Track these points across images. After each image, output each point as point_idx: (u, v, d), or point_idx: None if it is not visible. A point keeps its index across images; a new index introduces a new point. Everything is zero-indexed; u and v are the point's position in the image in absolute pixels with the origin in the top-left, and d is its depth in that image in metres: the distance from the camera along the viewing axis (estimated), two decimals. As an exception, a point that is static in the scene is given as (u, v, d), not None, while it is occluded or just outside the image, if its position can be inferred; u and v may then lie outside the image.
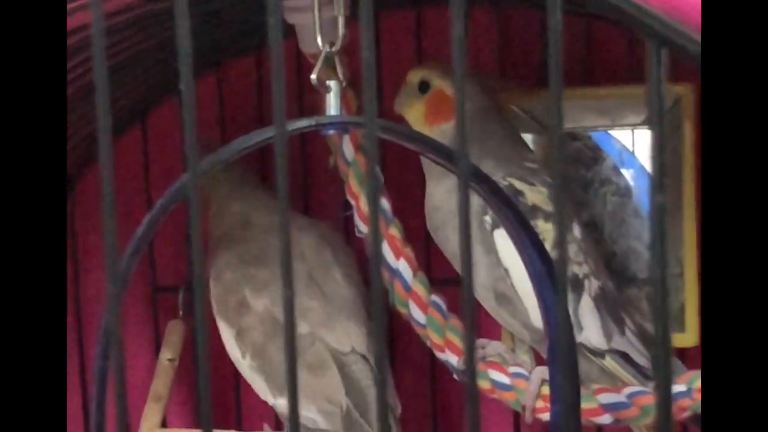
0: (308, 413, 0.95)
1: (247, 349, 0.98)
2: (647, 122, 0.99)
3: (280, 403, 0.97)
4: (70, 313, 1.12)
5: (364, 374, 0.96)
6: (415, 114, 0.95)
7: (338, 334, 0.97)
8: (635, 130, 1.02)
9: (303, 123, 0.57)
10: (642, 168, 1.03)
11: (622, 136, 1.02)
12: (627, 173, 1.03)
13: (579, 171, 1.02)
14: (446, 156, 0.57)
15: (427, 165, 0.94)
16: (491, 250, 0.90)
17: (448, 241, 0.93)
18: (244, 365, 0.98)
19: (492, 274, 0.90)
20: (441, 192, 0.93)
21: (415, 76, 0.95)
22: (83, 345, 1.13)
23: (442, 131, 0.93)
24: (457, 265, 0.93)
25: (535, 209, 0.90)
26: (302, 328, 0.96)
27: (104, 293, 1.11)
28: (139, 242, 0.63)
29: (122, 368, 0.51)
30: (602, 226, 1.01)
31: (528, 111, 1.00)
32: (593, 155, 1.02)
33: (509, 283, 0.90)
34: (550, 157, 0.99)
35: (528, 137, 0.99)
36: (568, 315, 0.64)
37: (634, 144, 1.03)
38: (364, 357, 0.96)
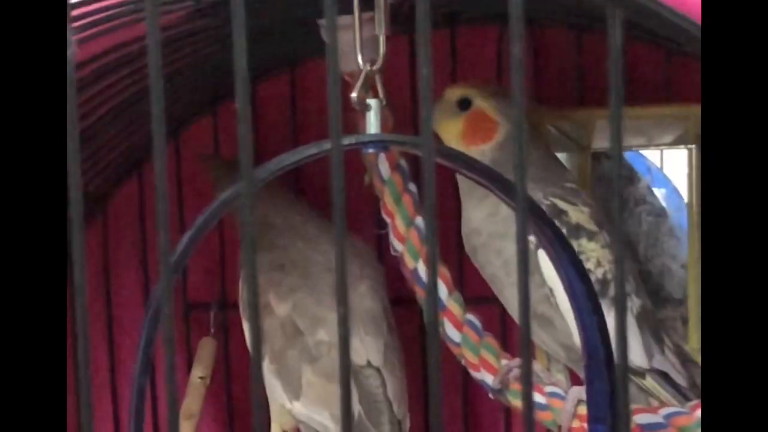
0: (321, 419, 0.96)
1: (266, 352, 0.98)
2: (680, 142, 0.99)
3: (296, 407, 0.97)
4: (101, 331, 1.12)
5: (377, 387, 0.96)
6: (451, 131, 0.95)
7: (355, 345, 0.97)
8: (665, 150, 1.02)
9: (361, 138, 0.57)
10: (674, 188, 1.03)
11: (652, 155, 1.02)
12: (659, 193, 1.03)
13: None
14: (501, 185, 0.56)
15: (465, 186, 0.94)
16: (534, 270, 0.89)
17: (490, 264, 0.92)
18: (264, 367, 0.98)
19: (533, 295, 0.89)
20: (481, 214, 0.92)
21: (453, 93, 0.95)
22: (114, 363, 1.13)
23: (482, 152, 0.92)
24: (496, 287, 0.93)
25: (578, 228, 0.90)
26: (320, 335, 0.97)
27: (135, 311, 1.12)
28: (181, 256, 0.63)
29: (174, 392, 0.51)
30: (637, 246, 1.01)
31: (563, 130, 1.00)
32: (628, 175, 1.02)
33: (553, 303, 0.89)
34: (583, 176, 1.00)
35: (562, 156, 0.99)
36: (623, 335, 0.63)
37: (663, 164, 1.03)
38: (378, 371, 0.96)
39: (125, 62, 0.83)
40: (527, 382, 0.47)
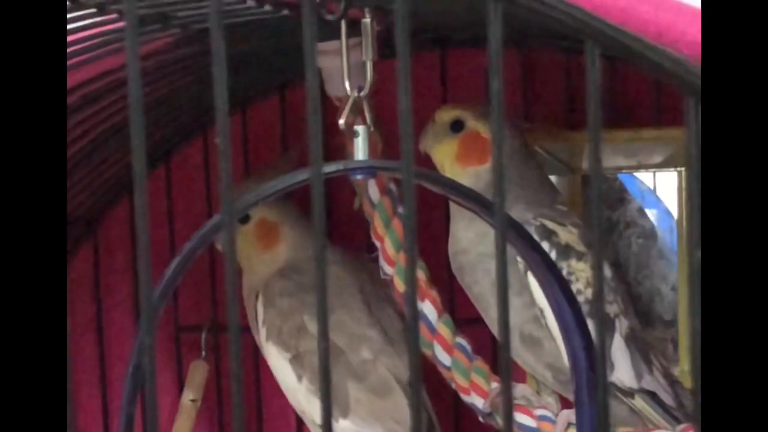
0: None
1: (304, 373, 0.98)
2: (670, 164, 0.99)
3: (343, 425, 0.98)
4: (93, 355, 1.12)
5: (427, 401, 0.98)
6: (445, 153, 0.94)
7: (396, 362, 0.98)
8: (657, 172, 1.02)
9: (335, 167, 0.57)
10: (666, 210, 1.03)
11: (644, 177, 1.03)
12: (651, 214, 1.03)
13: (604, 212, 1.02)
14: (482, 205, 0.57)
15: (455, 206, 0.94)
16: (523, 290, 0.89)
17: (477, 284, 0.92)
18: (300, 389, 0.99)
19: (521, 315, 0.90)
20: (470, 235, 0.92)
21: (447, 115, 0.95)
22: (106, 386, 1.13)
23: (477, 173, 0.92)
24: (482, 307, 0.93)
25: (568, 249, 0.90)
26: (364, 353, 0.98)
27: (127, 333, 1.12)
28: (167, 285, 0.63)
29: (155, 413, 0.51)
30: (627, 268, 1.01)
31: (552, 152, 1.00)
32: (618, 197, 1.02)
33: (543, 324, 0.89)
34: (573, 198, 1.00)
35: (552, 179, 0.99)
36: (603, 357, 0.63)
37: (656, 186, 1.03)
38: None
39: (113, 88, 0.83)
40: (507, 400, 0.47)
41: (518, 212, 0.89)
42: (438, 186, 0.57)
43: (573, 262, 0.90)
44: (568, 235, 0.91)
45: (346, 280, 1.01)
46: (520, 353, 0.92)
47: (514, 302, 0.90)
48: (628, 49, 0.43)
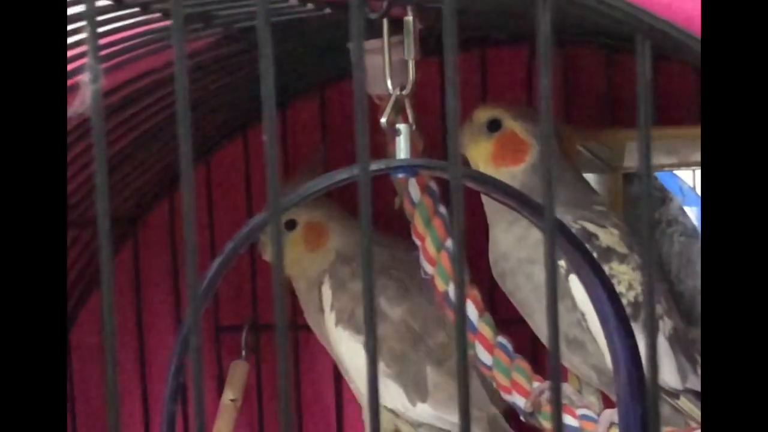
0: (454, 419, 0.96)
1: (381, 356, 0.98)
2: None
3: (420, 408, 0.98)
4: (133, 355, 1.13)
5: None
6: (480, 153, 0.94)
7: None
8: (697, 170, 1.01)
9: (380, 165, 0.57)
10: (706, 208, 1.02)
11: (685, 175, 1.02)
12: (691, 212, 1.02)
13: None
14: (530, 207, 0.56)
15: (493, 212, 0.93)
16: (566, 295, 0.89)
17: (519, 289, 0.91)
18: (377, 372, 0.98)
19: (564, 319, 0.89)
20: (510, 239, 0.91)
21: (483, 115, 0.94)
22: (146, 385, 1.13)
23: (512, 174, 0.92)
24: (526, 312, 0.92)
25: (609, 251, 0.89)
26: (441, 337, 0.98)
27: (167, 332, 1.12)
28: (209, 285, 0.63)
29: (202, 410, 0.51)
30: (670, 266, 1.00)
31: (593, 151, 0.99)
32: (660, 195, 1.01)
33: (585, 327, 0.89)
34: (614, 197, 1.00)
35: (593, 177, 0.99)
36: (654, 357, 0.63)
37: (696, 183, 1.02)
38: None
39: (155, 88, 0.83)
40: (557, 403, 0.47)
41: (558, 214, 0.88)
42: (485, 187, 0.56)
43: (615, 265, 0.89)
44: (609, 236, 0.90)
45: (408, 264, 1.00)
46: (566, 356, 0.91)
47: (558, 307, 0.89)
48: (678, 43, 0.42)
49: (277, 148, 1.11)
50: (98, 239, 1.02)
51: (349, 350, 1.00)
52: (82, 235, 1.02)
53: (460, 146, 0.93)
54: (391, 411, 0.99)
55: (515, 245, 0.91)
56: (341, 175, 0.56)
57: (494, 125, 0.93)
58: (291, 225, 1.02)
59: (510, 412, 0.98)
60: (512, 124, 0.93)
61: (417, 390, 0.98)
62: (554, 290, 0.44)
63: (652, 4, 0.62)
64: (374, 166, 0.56)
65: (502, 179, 0.89)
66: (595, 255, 0.88)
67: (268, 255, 1.02)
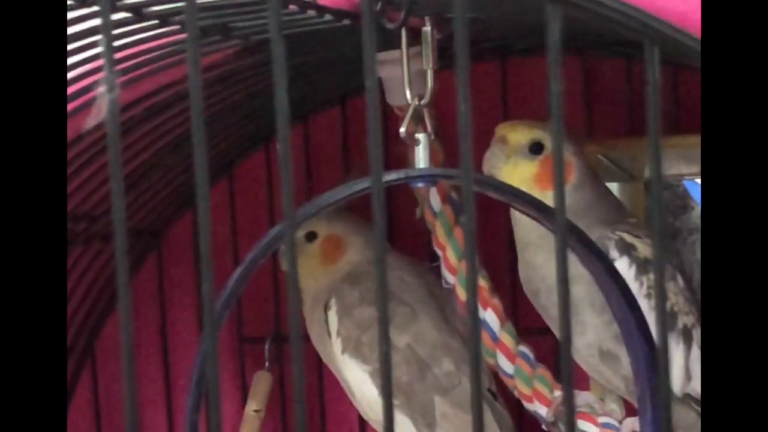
0: None
1: None
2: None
3: None
4: (157, 366, 1.13)
5: (504, 410, 0.97)
6: (521, 175, 0.89)
7: None
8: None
9: (395, 175, 0.58)
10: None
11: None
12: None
13: (667, 220, 1.01)
14: (543, 211, 0.57)
15: (530, 233, 0.90)
16: (605, 309, 0.85)
17: (555, 306, 0.89)
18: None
19: (600, 333, 0.88)
20: (542, 257, 0.89)
21: (522, 136, 0.90)
22: (171, 397, 1.14)
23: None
24: (556, 327, 0.91)
25: (647, 262, 0.88)
26: (447, 365, 0.97)
27: (191, 344, 1.12)
28: (230, 295, 0.63)
29: (218, 419, 0.52)
30: (692, 275, 1.00)
31: (614, 160, 0.99)
32: (682, 203, 1.01)
33: (621, 339, 0.88)
34: (636, 206, 0.99)
35: (615, 186, 0.99)
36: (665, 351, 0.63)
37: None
38: (494, 394, 0.97)
39: (176, 100, 0.84)
40: (569, 408, 0.47)
41: (600, 230, 0.87)
42: (498, 193, 0.57)
43: (652, 276, 0.88)
44: (645, 247, 0.89)
45: (417, 286, 1.00)
46: (598, 368, 0.90)
47: (595, 321, 0.88)
48: (687, 50, 0.43)
49: (299, 159, 1.12)
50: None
51: (356, 379, 0.99)
52: (107, 248, 1.02)
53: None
54: None
55: (548, 265, 0.88)
56: (355, 187, 0.57)
57: (537, 147, 0.90)
58: (311, 237, 1.02)
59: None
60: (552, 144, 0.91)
61: (424, 420, 0.96)
62: (567, 291, 0.45)
63: (664, 12, 0.62)
64: (389, 176, 0.56)
65: (548, 202, 0.88)
66: (633, 267, 0.87)
67: (284, 266, 1.02)
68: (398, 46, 0.81)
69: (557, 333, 0.91)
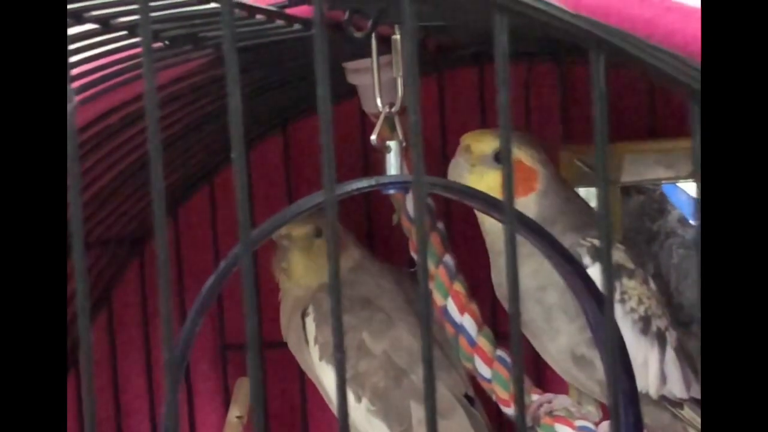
0: None
1: (364, 393, 0.97)
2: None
3: None
4: (140, 373, 1.14)
5: (481, 416, 0.97)
6: (486, 184, 0.87)
7: (455, 378, 0.97)
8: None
9: (355, 185, 0.58)
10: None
11: (689, 187, 1.02)
12: (696, 224, 1.02)
13: (644, 224, 1.02)
14: (493, 206, 0.58)
15: (492, 237, 0.91)
16: (579, 315, 0.86)
17: (527, 312, 0.88)
18: (359, 409, 0.98)
19: (574, 338, 0.89)
20: (525, 271, 0.88)
21: (485, 145, 0.90)
22: (154, 402, 1.15)
23: (524, 203, 0.89)
24: (531, 332, 0.91)
25: (619, 268, 0.88)
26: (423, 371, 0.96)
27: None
28: (189, 332, 0.64)
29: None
30: (668, 278, 1.00)
31: (590, 165, 1.00)
32: (659, 207, 1.02)
33: (595, 345, 0.89)
34: (613, 210, 1.00)
35: (592, 192, 0.99)
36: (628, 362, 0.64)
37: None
38: (471, 399, 0.97)
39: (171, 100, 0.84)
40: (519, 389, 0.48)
41: (571, 238, 0.88)
42: (450, 193, 0.58)
43: (625, 280, 0.89)
44: (617, 253, 0.89)
45: (395, 293, 1.00)
46: (571, 372, 0.91)
47: (569, 328, 0.89)
48: (629, 54, 0.43)
49: (280, 167, 1.12)
50: (104, 258, 1.03)
51: (333, 385, 0.99)
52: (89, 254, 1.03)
53: (457, 176, 0.92)
54: None
55: (530, 276, 0.88)
56: (311, 201, 0.57)
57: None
58: (319, 233, 1.02)
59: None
60: (518, 153, 0.90)
61: (401, 427, 0.97)
62: (516, 284, 0.46)
63: (631, 20, 0.63)
64: (341, 189, 0.57)
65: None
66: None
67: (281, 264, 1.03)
68: (370, 55, 0.82)
69: (530, 337, 0.92)
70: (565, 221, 0.89)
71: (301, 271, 1.02)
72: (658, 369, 0.89)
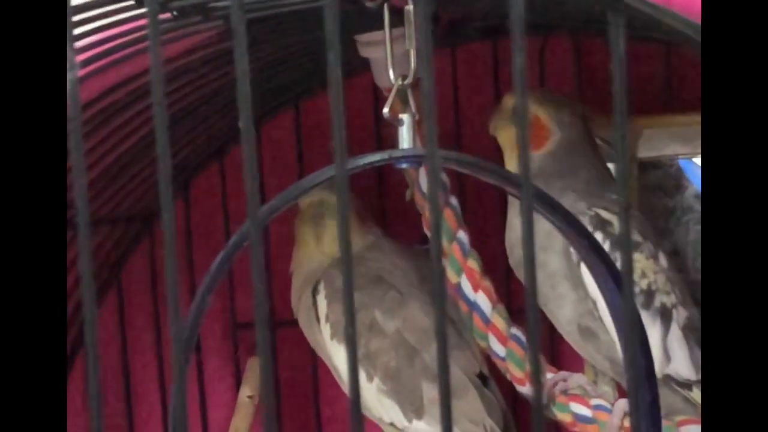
0: None
1: (376, 372, 0.96)
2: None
3: (417, 426, 0.96)
4: (150, 347, 1.13)
5: (495, 394, 0.96)
6: (506, 138, 0.94)
7: (469, 357, 0.96)
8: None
9: (367, 159, 0.57)
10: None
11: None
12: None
13: (661, 199, 1.00)
14: (510, 181, 0.56)
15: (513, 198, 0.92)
16: (578, 284, 0.88)
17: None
18: (371, 389, 0.96)
19: (577, 309, 0.89)
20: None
21: (510, 100, 0.94)
22: (164, 377, 1.14)
23: (532, 158, 0.89)
24: (540, 301, 0.90)
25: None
26: (436, 350, 0.95)
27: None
28: (197, 311, 0.63)
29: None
30: (685, 255, 0.99)
31: (606, 139, 0.98)
32: (676, 183, 1.00)
33: (596, 316, 0.88)
34: (630, 185, 0.98)
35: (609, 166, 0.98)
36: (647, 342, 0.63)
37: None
38: (485, 378, 0.96)
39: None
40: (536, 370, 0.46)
41: (570, 201, 0.88)
42: (464, 167, 0.56)
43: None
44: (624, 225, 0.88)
45: (408, 271, 0.99)
46: (580, 345, 0.91)
47: (570, 296, 0.89)
48: (648, 15, 0.42)
49: (292, 143, 1.11)
50: (113, 235, 1.02)
51: (344, 364, 0.97)
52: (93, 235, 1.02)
53: (492, 129, 0.93)
54: (392, 425, 0.97)
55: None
56: (320, 176, 0.56)
57: None
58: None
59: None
60: (536, 109, 0.92)
61: (412, 407, 0.95)
62: (533, 261, 0.44)
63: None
64: (352, 164, 0.55)
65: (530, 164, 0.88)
66: (607, 243, 0.87)
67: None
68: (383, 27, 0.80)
69: (540, 306, 0.91)
70: (567, 183, 0.90)
71: (329, 239, 1.00)
72: (660, 345, 0.88)
